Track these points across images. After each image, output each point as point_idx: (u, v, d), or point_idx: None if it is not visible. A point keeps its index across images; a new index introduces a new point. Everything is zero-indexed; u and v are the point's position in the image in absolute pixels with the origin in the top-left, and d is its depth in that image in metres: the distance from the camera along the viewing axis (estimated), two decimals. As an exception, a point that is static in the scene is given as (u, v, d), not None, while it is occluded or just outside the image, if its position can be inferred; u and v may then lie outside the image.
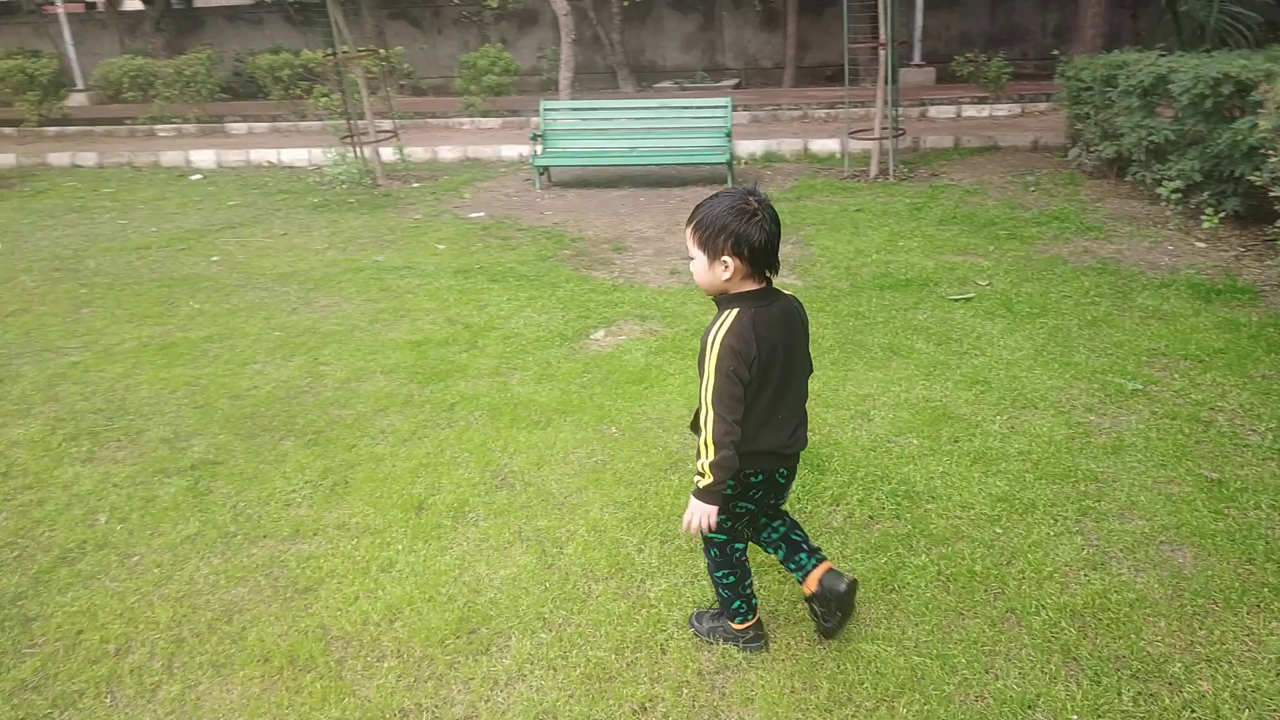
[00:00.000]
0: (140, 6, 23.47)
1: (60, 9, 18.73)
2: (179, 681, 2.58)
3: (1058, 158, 9.80)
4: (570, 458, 3.82)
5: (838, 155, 10.59)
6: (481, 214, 8.69)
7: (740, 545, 2.59)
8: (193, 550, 3.23)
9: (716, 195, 2.30)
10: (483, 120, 14.58)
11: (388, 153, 10.67)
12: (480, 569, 3.07)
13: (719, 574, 2.60)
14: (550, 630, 2.74)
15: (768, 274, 2.31)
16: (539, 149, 9.82)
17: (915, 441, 3.78)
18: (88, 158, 12.61)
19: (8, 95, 15.68)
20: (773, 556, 2.71)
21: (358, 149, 10.18)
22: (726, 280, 2.26)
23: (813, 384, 4.35)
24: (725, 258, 2.23)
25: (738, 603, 2.61)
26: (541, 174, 9.80)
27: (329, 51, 9.90)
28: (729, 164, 9.34)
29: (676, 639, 2.68)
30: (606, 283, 6.30)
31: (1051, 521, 3.17)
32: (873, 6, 9.10)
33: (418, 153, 11.76)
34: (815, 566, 2.59)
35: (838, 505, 3.34)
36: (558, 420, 4.17)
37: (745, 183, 9.47)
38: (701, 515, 2.32)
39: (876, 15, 8.96)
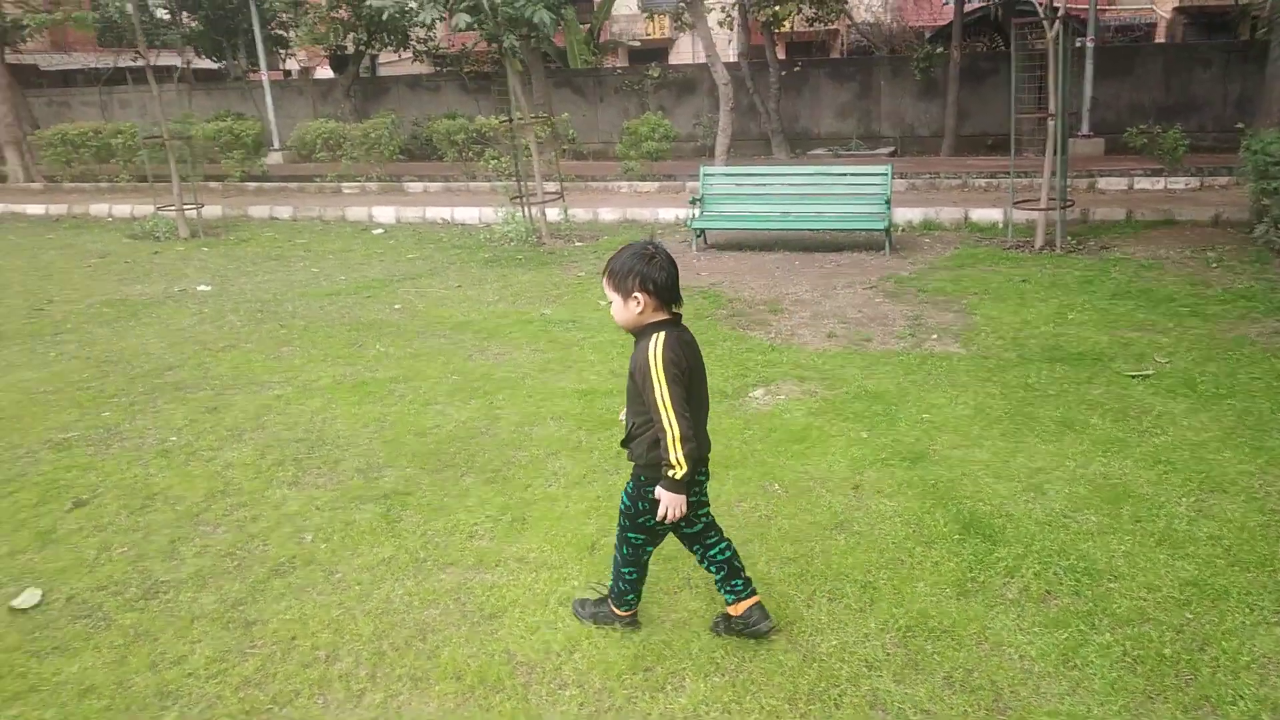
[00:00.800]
0: (331, 75, 25.63)
1: (265, 76, 20.67)
2: (382, 690, 2.80)
3: (1242, 234, 9.32)
4: (735, 510, 3.91)
5: (1000, 225, 10.41)
6: (641, 273, 8.98)
7: (650, 549, 3.01)
8: (388, 572, 3.49)
9: (622, 249, 2.75)
10: (640, 184, 15.10)
11: (553, 213, 11.21)
12: (652, 610, 3.18)
13: (626, 569, 3.00)
14: (724, 675, 2.82)
15: (673, 307, 2.74)
16: (697, 212, 10.11)
17: (1094, 518, 3.68)
18: (283, 211, 13.79)
19: (216, 153, 17.39)
20: (710, 574, 3.05)
21: (526, 209, 10.75)
22: (640, 314, 2.69)
23: (980, 454, 4.34)
24: (636, 294, 2.65)
25: (631, 595, 3.04)
26: (698, 236, 10.07)
27: (505, 118, 10.56)
28: (887, 231, 9.35)
29: (850, 695, 2.71)
30: (764, 343, 6.41)
31: (1247, 610, 3.03)
32: (1040, 76, 9.00)
33: (579, 214, 12.28)
34: (749, 597, 2.99)
35: (1012, 577, 3.29)
36: (720, 473, 4.26)
37: (902, 250, 9.45)
38: (676, 504, 2.72)
39: (1042, 85, 8.86)
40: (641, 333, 2.72)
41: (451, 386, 5.67)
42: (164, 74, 11.95)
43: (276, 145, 20.30)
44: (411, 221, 13.06)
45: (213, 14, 20.40)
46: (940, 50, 18.06)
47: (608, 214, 12.52)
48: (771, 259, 9.49)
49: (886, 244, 9.44)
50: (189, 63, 22.25)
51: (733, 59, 19.68)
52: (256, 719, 2.69)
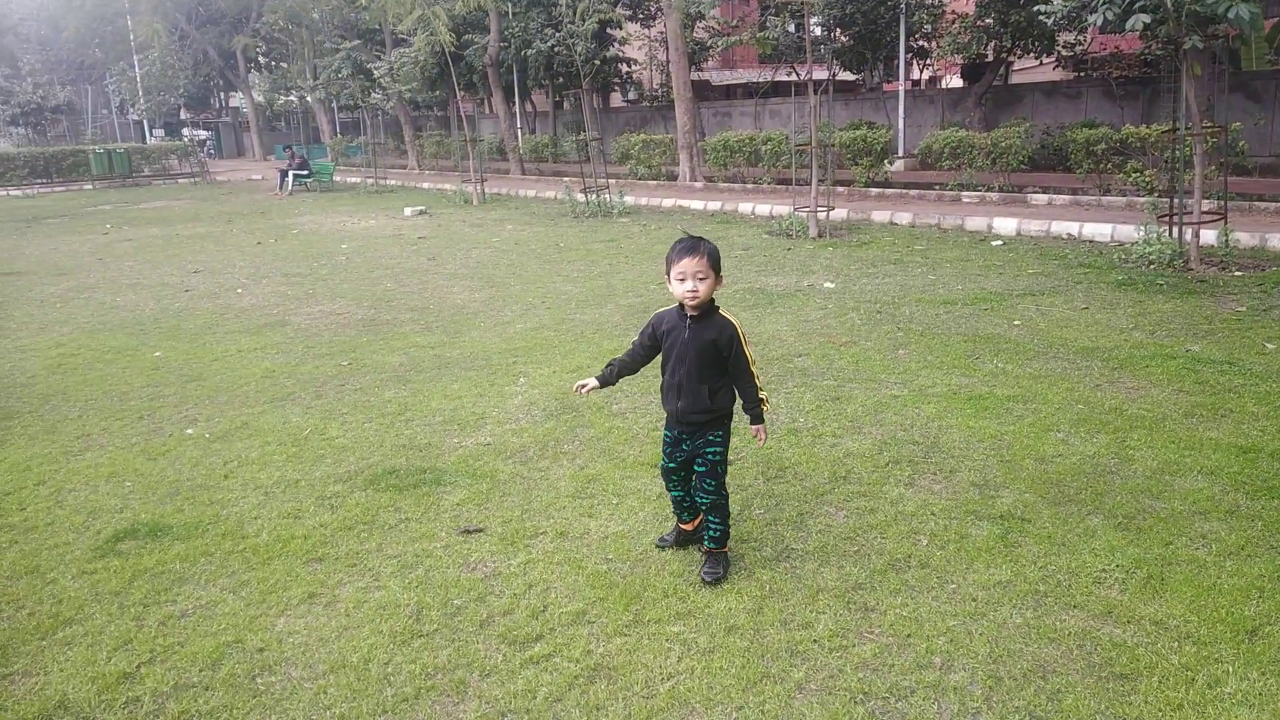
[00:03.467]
0: (961, 84, 25.58)
1: (901, 87, 21.43)
2: (996, 716, 2.72)
3: None
4: None
5: None
6: (1327, 316, 7.39)
7: None
8: (1005, 596, 3.38)
9: (700, 238, 3.38)
10: (1330, 207, 12.38)
11: (1208, 236, 9.77)
12: None
13: (727, 501, 3.63)
14: None
15: None
16: None
17: None
18: (903, 217, 14.21)
19: (846, 160, 18.55)
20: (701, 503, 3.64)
21: (1176, 229, 9.53)
22: (717, 290, 3.45)
23: None
24: (719, 274, 3.42)
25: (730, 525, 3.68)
26: None
27: (1168, 127, 9.44)
28: None
29: None
30: None
31: None
32: None
33: (1241, 238, 10.51)
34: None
35: None
36: None
37: None
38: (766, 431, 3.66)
39: None
40: (710, 309, 3.44)
41: (1076, 416, 5.28)
42: (814, 87, 13.06)
43: (901, 153, 20.96)
44: (1033, 235, 12.47)
45: (865, 29, 21.70)
46: None
47: (1281, 241, 10.51)
48: None
49: None
50: (834, 75, 23.98)
51: None
52: (873, 703, 2.81)
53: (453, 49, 22.23)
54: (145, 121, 48.26)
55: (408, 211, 18.84)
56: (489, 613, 3.42)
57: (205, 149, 41.24)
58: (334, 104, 38.61)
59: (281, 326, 8.71)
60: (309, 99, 38.40)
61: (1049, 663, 2.97)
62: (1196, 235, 9.45)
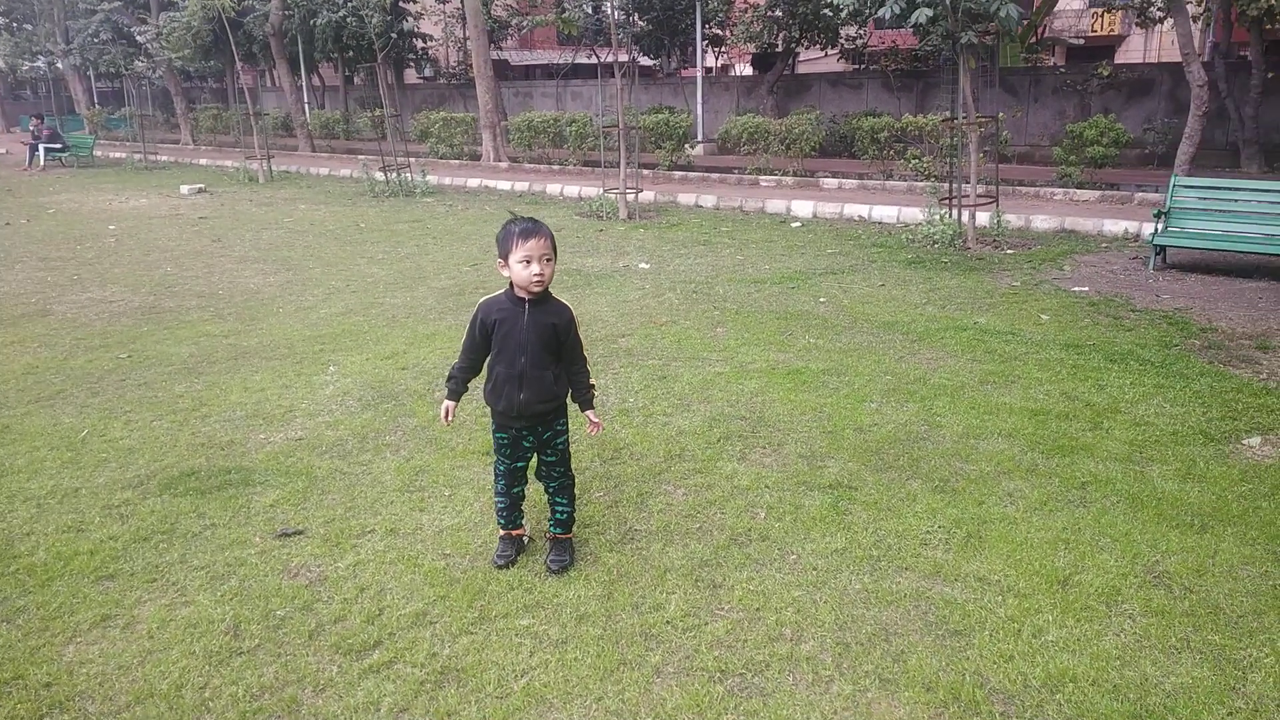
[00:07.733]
0: (751, 72, 26.55)
1: (699, 73, 21.94)
2: (849, 683, 2.78)
3: None
4: (1239, 573, 3.38)
5: None
6: (1086, 289, 8.20)
7: None
8: (843, 563, 3.47)
9: (537, 220, 3.22)
10: (1078, 192, 13.81)
11: (981, 217, 10.61)
12: (1146, 667, 2.83)
13: (574, 483, 3.58)
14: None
15: None
16: (1159, 226, 8.98)
17: None
18: (708, 200, 14.54)
19: (649, 143, 18.78)
20: (551, 495, 3.57)
21: (955, 211, 10.28)
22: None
23: None
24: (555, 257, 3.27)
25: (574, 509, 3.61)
26: (1157, 254, 8.95)
27: (947, 117, 10.15)
28: None
29: None
30: (1255, 383, 5.51)
31: None
32: None
33: (1010, 220, 11.51)
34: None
35: None
36: (1216, 527, 3.72)
37: None
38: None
39: None
40: (550, 295, 3.31)
41: (885, 386, 5.55)
42: (617, 70, 13.08)
43: (700, 138, 21.47)
44: (828, 217, 13.11)
45: (662, 15, 22.01)
46: None
47: (1042, 222, 11.59)
48: (1251, 286, 8.16)
49: None
50: (634, 60, 24.22)
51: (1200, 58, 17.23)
52: (730, 680, 2.80)
53: (231, 15, 20.61)
54: None
55: (185, 190, 17.32)
56: (318, 622, 3.14)
57: (-68, 118, 36.12)
58: (90, 71, 34.87)
59: (43, 316, 7.73)
60: (60, 65, 34.48)
61: (890, 625, 3.07)
62: (973, 217, 10.24)
